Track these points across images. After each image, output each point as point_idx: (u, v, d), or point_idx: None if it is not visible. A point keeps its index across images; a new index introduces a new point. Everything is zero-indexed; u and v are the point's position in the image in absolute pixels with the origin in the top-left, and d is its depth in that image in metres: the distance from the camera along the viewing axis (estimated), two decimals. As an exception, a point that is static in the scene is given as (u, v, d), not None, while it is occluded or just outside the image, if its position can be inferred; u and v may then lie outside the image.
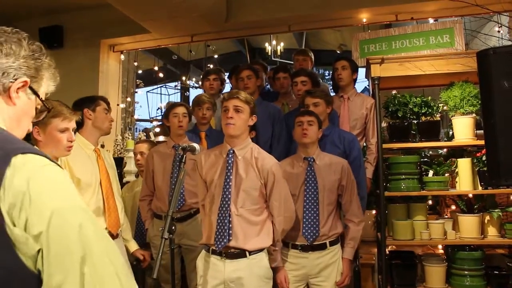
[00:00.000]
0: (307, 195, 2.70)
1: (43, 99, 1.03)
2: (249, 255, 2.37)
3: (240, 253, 2.37)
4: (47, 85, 1.04)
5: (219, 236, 2.36)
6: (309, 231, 2.66)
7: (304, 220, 2.67)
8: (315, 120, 2.78)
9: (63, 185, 0.89)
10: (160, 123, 6.50)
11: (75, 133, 2.86)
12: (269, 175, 2.43)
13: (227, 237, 2.35)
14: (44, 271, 0.82)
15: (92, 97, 2.93)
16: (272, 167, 2.46)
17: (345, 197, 2.77)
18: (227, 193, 2.41)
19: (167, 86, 9.73)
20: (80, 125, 2.78)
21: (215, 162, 2.51)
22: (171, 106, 3.30)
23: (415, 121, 3.30)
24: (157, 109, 8.92)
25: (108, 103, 2.92)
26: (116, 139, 5.43)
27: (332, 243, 2.71)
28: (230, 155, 2.46)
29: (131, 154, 4.26)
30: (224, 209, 2.39)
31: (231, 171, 2.43)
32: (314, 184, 2.71)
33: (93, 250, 0.84)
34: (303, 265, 2.68)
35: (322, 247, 2.68)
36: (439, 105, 3.31)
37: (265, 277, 2.42)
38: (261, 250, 2.42)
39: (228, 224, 2.36)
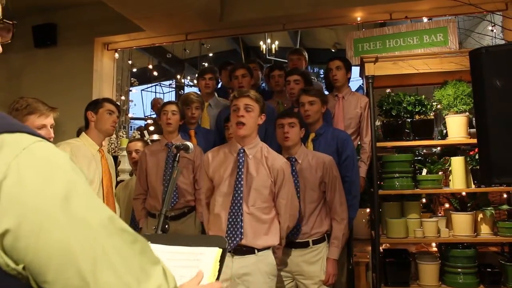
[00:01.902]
0: None
1: None
2: (257, 252, 2.38)
3: (249, 250, 2.37)
4: None
5: (230, 235, 2.35)
6: None
7: None
8: (296, 121, 2.75)
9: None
10: (153, 121, 6.49)
11: (81, 133, 2.98)
12: (279, 174, 2.43)
13: (240, 236, 2.35)
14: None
15: (97, 100, 3.05)
16: (282, 165, 2.46)
17: (328, 195, 2.76)
18: (238, 191, 2.40)
19: (161, 85, 9.72)
20: (87, 126, 2.93)
21: (224, 160, 2.49)
22: (163, 104, 3.34)
23: (409, 120, 3.31)
24: (151, 108, 8.90)
25: (115, 105, 2.98)
26: (110, 138, 5.40)
27: (316, 242, 2.71)
28: (241, 154, 2.45)
29: (125, 152, 4.24)
30: (236, 207, 2.38)
31: (242, 170, 2.43)
32: (295, 183, 2.70)
33: (104, 245, 0.62)
34: (286, 262, 2.68)
35: (304, 245, 2.69)
36: (433, 103, 3.32)
37: (271, 274, 2.42)
38: (268, 247, 2.42)
39: (240, 223, 2.36)
